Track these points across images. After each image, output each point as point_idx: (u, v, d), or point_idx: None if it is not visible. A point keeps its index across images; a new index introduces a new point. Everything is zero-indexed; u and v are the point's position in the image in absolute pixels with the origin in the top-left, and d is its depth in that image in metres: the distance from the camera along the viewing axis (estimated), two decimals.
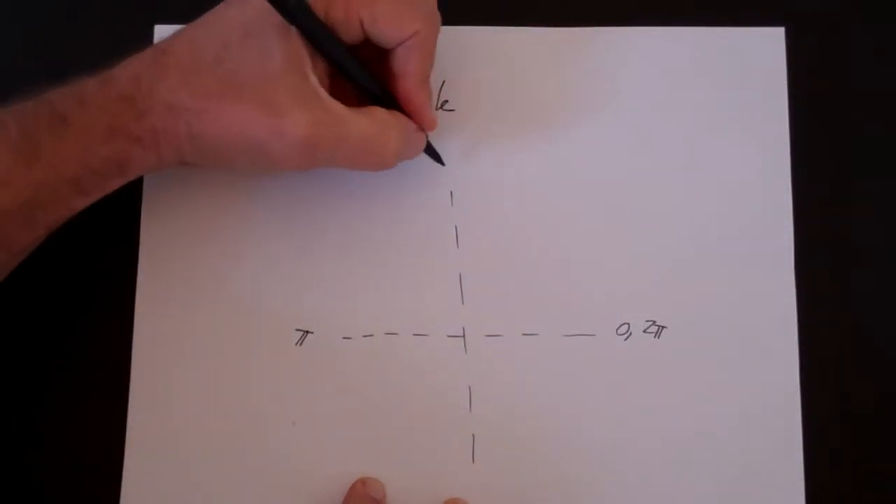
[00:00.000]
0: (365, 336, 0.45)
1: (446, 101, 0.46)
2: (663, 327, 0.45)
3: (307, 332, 0.45)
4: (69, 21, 0.48)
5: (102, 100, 0.39)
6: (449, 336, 0.45)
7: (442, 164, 0.45)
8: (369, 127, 0.40)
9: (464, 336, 0.45)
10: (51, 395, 0.44)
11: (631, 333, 0.45)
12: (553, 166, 0.46)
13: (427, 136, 0.44)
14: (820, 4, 0.47)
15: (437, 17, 0.42)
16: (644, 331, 0.45)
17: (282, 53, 0.38)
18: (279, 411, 0.44)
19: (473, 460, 0.44)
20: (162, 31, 0.47)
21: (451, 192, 0.46)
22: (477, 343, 0.45)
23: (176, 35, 0.40)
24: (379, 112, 0.41)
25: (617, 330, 0.45)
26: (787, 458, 0.43)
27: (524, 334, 0.45)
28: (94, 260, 0.45)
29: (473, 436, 0.44)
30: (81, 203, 0.40)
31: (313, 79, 0.39)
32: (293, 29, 0.39)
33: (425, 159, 0.45)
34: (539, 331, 0.45)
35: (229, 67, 0.39)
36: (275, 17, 0.38)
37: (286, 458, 0.43)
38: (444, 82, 0.46)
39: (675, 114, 0.46)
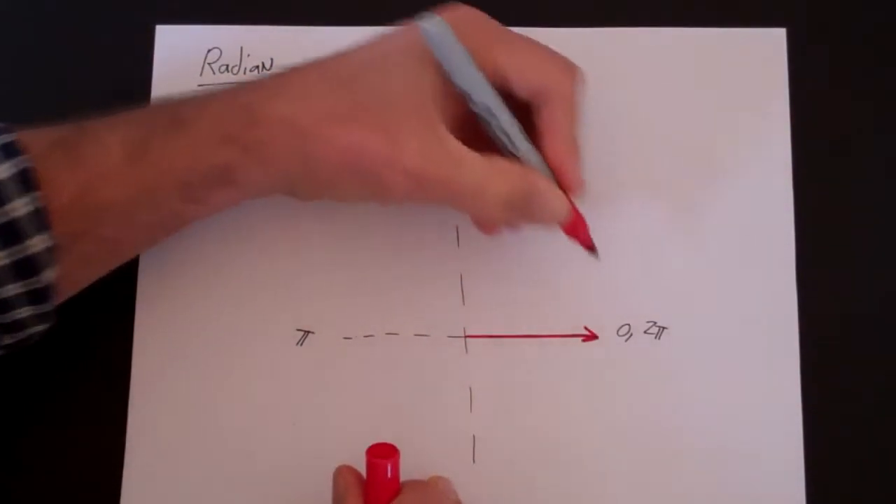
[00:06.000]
0: (366, 336, 0.45)
1: None
2: (664, 328, 0.45)
3: (308, 332, 0.45)
4: (69, 21, 0.48)
5: (222, 106, 0.39)
6: (450, 336, 0.45)
7: (596, 256, 0.43)
8: (482, 173, 0.39)
9: (464, 336, 0.45)
10: (51, 395, 0.44)
11: (632, 334, 0.45)
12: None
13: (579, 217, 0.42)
14: (821, 5, 0.47)
15: (577, 73, 0.41)
16: (645, 332, 0.45)
17: (411, 83, 0.38)
18: (279, 411, 0.44)
19: (474, 461, 0.44)
20: (162, 32, 0.47)
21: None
22: (478, 344, 0.45)
23: (320, 57, 0.40)
24: (498, 160, 0.39)
25: (618, 331, 0.45)
26: (788, 457, 0.43)
27: (524, 335, 0.45)
28: None
29: (474, 436, 0.44)
30: (190, 211, 0.40)
31: (436, 114, 0.38)
32: (436, 65, 0.38)
33: None
34: (539, 331, 0.45)
35: (354, 90, 0.38)
36: (418, 47, 0.38)
37: (286, 458, 0.43)
38: None
39: (676, 114, 0.46)
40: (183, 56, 0.47)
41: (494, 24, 0.41)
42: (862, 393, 0.44)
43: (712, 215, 0.45)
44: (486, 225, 0.43)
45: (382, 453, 0.39)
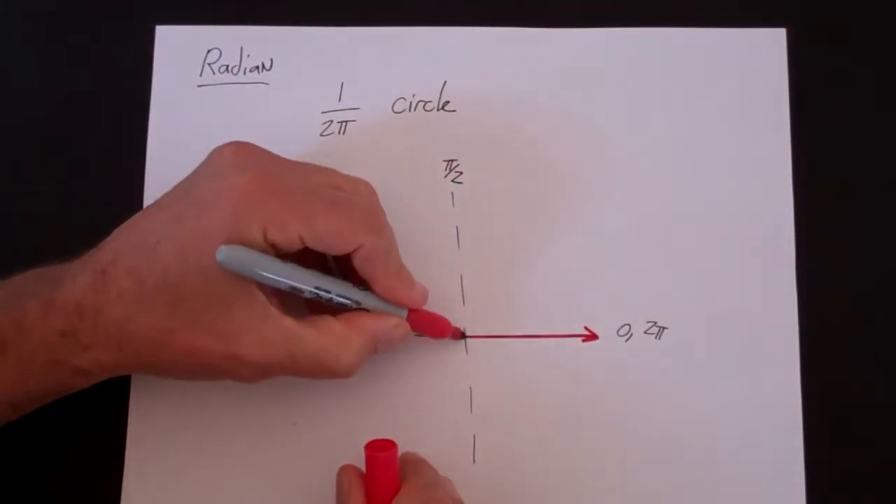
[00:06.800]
0: None
1: (447, 102, 0.46)
2: (664, 328, 0.45)
3: None
4: (69, 21, 0.48)
5: (43, 330, 0.37)
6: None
7: (463, 338, 0.45)
8: (320, 345, 0.39)
9: (464, 337, 0.45)
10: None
11: (632, 334, 0.45)
12: (553, 166, 0.46)
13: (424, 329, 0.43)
14: (821, 5, 0.47)
15: (383, 227, 0.40)
16: (645, 332, 0.45)
17: (226, 276, 0.37)
18: (279, 411, 0.44)
19: (474, 461, 0.44)
20: (162, 32, 0.47)
21: (452, 193, 0.46)
22: (478, 344, 0.44)
23: (114, 251, 0.38)
24: (333, 325, 0.40)
25: (618, 331, 0.45)
26: (788, 458, 0.43)
27: (524, 335, 0.45)
28: None
29: (474, 436, 0.44)
30: (18, 416, 0.40)
31: (261, 297, 0.38)
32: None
33: (424, 155, 0.45)
34: (539, 331, 0.45)
35: (174, 296, 0.37)
36: (210, 238, 0.37)
37: (286, 458, 0.43)
38: (444, 82, 0.46)
39: (676, 114, 0.46)
40: (183, 56, 0.47)
41: (284, 191, 0.38)
42: (862, 393, 0.44)
43: (712, 215, 0.45)
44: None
45: (381, 448, 0.39)
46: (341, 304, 0.40)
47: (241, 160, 0.39)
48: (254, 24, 0.47)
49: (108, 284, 0.37)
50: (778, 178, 0.46)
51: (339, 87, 0.47)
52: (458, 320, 0.44)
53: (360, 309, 0.40)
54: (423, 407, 0.44)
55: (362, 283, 0.41)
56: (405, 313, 0.42)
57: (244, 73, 0.47)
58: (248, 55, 0.47)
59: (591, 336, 0.45)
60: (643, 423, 0.44)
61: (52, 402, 0.42)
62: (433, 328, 0.43)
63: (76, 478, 0.44)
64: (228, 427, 0.44)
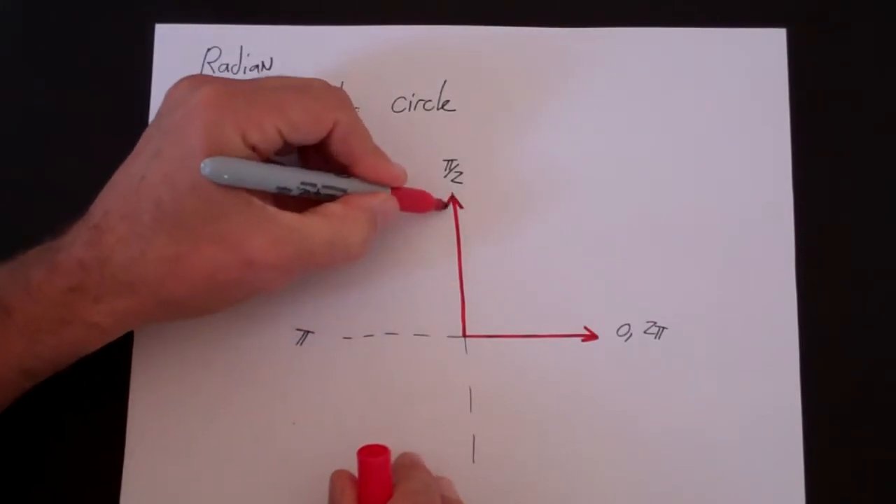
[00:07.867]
0: (365, 336, 0.45)
1: (447, 101, 0.46)
2: (664, 328, 0.45)
3: (308, 331, 0.45)
4: (69, 21, 0.48)
5: (50, 290, 0.37)
6: (449, 337, 0.45)
7: (444, 207, 0.45)
8: (328, 228, 0.40)
9: (464, 336, 0.45)
10: (50, 393, 0.44)
11: (632, 334, 0.45)
12: (553, 166, 0.46)
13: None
14: (821, 5, 0.47)
15: (350, 103, 0.41)
16: (645, 332, 0.45)
17: (217, 187, 0.37)
18: (279, 411, 0.44)
19: (474, 461, 0.44)
20: (162, 31, 0.47)
21: (452, 193, 0.46)
22: (477, 344, 0.45)
23: (103, 206, 0.39)
24: (334, 209, 0.40)
25: (618, 331, 0.45)
26: (788, 458, 0.43)
27: (524, 335, 0.45)
28: None
29: (474, 436, 0.44)
30: (32, 384, 0.40)
31: (257, 201, 0.38)
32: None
33: (424, 155, 0.45)
34: (539, 331, 0.45)
35: (173, 223, 0.37)
36: (193, 157, 0.37)
37: (286, 458, 0.43)
38: (444, 82, 0.46)
39: (676, 114, 0.46)
40: (183, 55, 0.47)
41: (248, 91, 0.39)
42: (862, 393, 0.44)
43: (712, 215, 0.45)
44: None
45: (373, 453, 0.39)
46: (329, 195, 0.40)
47: (196, 84, 0.39)
48: (253, 24, 0.47)
49: (105, 235, 0.38)
50: (778, 178, 0.46)
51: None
52: (457, 320, 0.45)
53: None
54: (423, 407, 0.44)
55: (343, 174, 0.41)
56: (389, 192, 0.42)
57: (244, 72, 0.47)
58: (248, 54, 0.47)
59: (591, 336, 0.45)
60: (643, 423, 0.44)
61: (51, 401, 0.42)
62: (417, 203, 0.44)
63: (76, 478, 0.44)
64: (227, 425, 0.44)
